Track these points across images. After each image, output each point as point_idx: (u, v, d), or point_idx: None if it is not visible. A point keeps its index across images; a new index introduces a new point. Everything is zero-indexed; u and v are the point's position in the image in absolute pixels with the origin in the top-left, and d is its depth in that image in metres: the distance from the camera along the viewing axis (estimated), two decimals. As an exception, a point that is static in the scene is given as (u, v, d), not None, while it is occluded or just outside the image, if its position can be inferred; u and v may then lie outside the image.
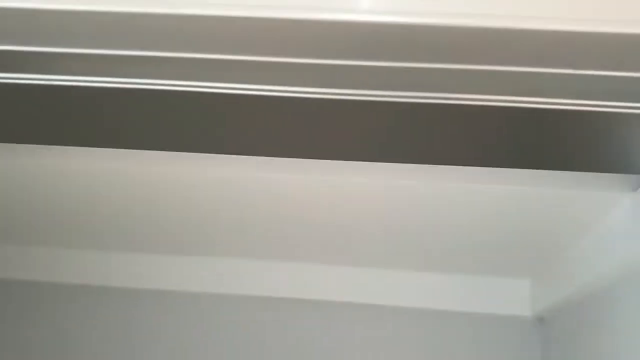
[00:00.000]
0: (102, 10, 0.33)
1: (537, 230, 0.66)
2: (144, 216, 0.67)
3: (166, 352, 0.83)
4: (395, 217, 0.65)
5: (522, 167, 0.52)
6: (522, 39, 0.33)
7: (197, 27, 0.34)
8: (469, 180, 0.55)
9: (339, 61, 0.36)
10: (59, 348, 0.84)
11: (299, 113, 0.42)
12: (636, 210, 0.52)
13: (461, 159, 0.49)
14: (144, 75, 0.39)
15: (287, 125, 0.44)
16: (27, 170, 0.57)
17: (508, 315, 0.81)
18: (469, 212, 0.61)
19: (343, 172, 0.54)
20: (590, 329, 0.65)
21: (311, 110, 0.41)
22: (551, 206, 0.58)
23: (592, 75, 0.37)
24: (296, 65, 0.36)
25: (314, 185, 0.57)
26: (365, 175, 0.54)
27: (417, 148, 0.47)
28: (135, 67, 0.38)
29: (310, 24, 0.33)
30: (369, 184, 0.56)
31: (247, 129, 0.46)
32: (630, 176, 0.52)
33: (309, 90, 0.39)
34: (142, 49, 0.36)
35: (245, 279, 0.83)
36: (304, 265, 0.84)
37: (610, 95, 0.39)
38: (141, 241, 0.78)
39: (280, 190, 0.59)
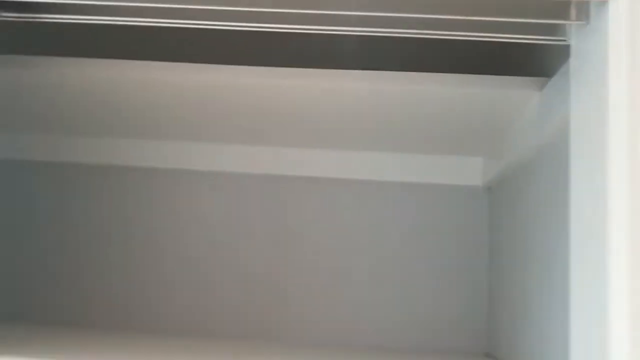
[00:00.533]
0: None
1: (482, 120, 0.84)
2: (194, 113, 0.86)
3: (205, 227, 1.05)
4: (374, 112, 0.83)
5: (464, 72, 0.69)
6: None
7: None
8: (431, 82, 0.72)
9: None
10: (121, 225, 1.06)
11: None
12: (542, 104, 0.70)
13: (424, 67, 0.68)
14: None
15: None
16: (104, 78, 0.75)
17: (464, 185, 1.02)
18: (432, 106, 0.79)
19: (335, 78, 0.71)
20: (521, 194, 0.85)
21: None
22: (489, 101, 0.76)
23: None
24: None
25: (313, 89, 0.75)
26: (354, 81, 0.72)
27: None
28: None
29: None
30: (355, 87, 0.74)
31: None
32: (539, 79, 0.69)
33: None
34: None
35: (249, 160, 1.04)
36: (301, 150, 1.04)
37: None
38: (191, 132, 0.98)
39: (286, 94, 0.77)
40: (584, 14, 0.53)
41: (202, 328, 1.02)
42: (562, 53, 0.59)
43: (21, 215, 1.06)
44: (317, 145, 1.02)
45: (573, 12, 0.54)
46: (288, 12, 0.55)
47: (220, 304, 1.02)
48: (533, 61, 0.66)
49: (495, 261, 0.97)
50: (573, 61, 0.57)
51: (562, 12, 0.55)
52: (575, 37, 0.56)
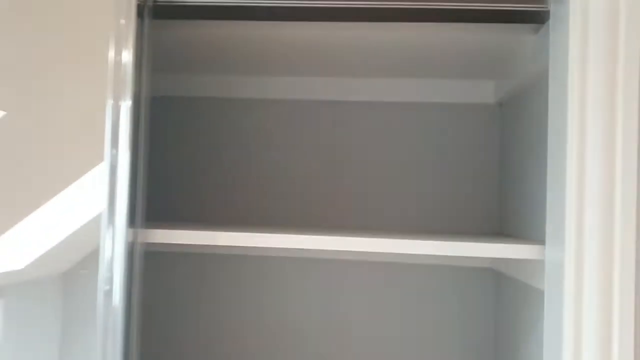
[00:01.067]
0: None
1: (493, 55, 1.09)
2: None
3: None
4: (409, 50, 1.09)
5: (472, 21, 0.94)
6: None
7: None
8: (453, 29, 0.97)
9: None
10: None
11: None
12: (537, 43, 0.94)
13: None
14: None
15: None
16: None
17: (478, 102, 1.28)
18: (455, 45, 1.04)
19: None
20: (525, 108, 1.11)
21: None
22: (497, 40, 1.01)
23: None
24: None
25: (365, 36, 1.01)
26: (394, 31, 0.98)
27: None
28: None
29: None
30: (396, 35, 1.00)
31: None
32: (533, 25, 0.93)
33: None
34: None
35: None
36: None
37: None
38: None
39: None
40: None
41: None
42: (546, 15, 0.84)
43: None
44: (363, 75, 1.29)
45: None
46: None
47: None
48: (527, 16, 0.90)
49: (505, 160, 1.25)
50: (551, 23, 0.81)
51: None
52: (553, 5, 0.81)
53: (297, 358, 1.33)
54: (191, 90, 1.35)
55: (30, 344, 1.64)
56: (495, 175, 1.28)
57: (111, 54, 0.83)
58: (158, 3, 0.91)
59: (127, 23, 0.83)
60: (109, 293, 0.83)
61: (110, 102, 0.83)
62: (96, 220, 1.24)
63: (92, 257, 1.35)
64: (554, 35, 0.81)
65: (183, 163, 1.37)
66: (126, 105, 0.84)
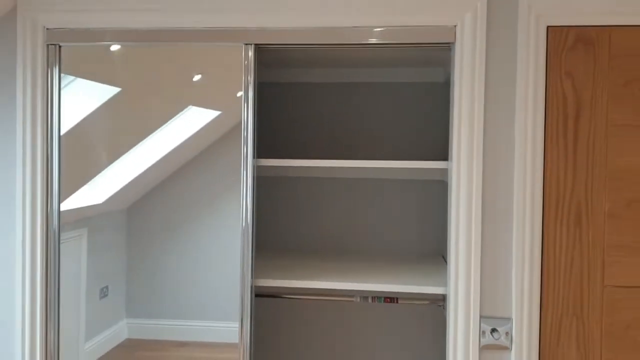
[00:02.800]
0: None
1: (440, 55, 1.97)
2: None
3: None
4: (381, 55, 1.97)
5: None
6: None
7: None
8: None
9: None
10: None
11: None
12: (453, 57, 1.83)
13: None
14: None
15: None
16: None
17: (433, 82, 2.17)
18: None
19: None
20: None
21: None
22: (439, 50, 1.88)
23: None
24: None
25: None
26: None
27: None
28: None
29: None
30: None
31: None
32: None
33: None
34: None
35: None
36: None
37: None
38: None
39: None
40: (454, 34, 1.66)
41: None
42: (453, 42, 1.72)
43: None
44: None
45: (452, 34, 1.67)
46: None
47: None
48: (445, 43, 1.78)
49: (447, 113, 2.14)
50: (453, 54, 1.70)
51: (448, 34, 1.67)
52: (457, 40, 1.69)
53: None
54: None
55: (106, 261, 2.03)
56: (442, 123, 2.19)
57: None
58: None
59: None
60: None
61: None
62: (155, 165, 1.99)
63: (148, 195, 1.94)
64: (455, 60, 1.69)
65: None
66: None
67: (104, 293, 2.03)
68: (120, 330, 2.02)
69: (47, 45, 1.79)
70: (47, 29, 1.78)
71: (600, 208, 1.64)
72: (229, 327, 1.83)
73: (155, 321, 1.97)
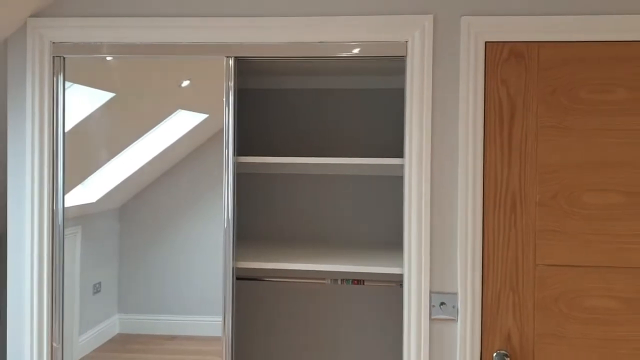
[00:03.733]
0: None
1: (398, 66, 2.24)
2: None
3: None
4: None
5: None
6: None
7: None
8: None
9: None
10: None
11: None
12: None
13: None
14: None
15: None
16: None
17: (392, 88, 2.44)
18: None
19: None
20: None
21: None
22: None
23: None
24: None
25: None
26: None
27: None
28: None
29: None
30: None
31: None
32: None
33: None
34: None
35: None
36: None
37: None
38: None
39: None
40: (406, 49, 1.92)
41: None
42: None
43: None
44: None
45: (404, 48, 1.93)
46: None
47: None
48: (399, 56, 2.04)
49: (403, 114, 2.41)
50: (407, 66, 1.96)
51: (401, 48, 1.94)
52: (408, 53, 1.95)
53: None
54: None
55: (99, 258, 2.16)
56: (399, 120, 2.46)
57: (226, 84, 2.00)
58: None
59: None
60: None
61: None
62: (146, 166, 2.16)
63: (139, 195, 2.10)
64: (408, 72, 1.96)
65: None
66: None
67: (97, 289, 2.14)
68: (112, 325, 2.14)
69: (53, 57, 2.04)
70: (53, 43, 2.03)
71: (532, 198, 1.91)
72: (217, 322, 2.02)
73: (146, 316, 2.13)
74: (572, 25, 1.87)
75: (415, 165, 1.93)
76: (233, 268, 2.04)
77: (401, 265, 2.05)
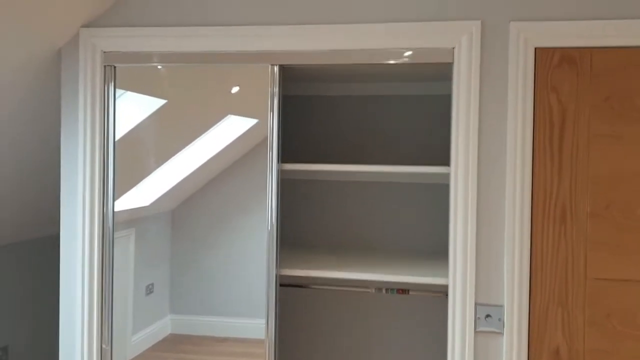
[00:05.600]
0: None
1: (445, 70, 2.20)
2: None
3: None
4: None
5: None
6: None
7: None
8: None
9: None
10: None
11: None
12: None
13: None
14: None
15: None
16: None
17: (440, 94, 2.40)
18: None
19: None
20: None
21: None
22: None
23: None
24: None
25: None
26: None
27: None
28: None
29: None
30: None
31: None
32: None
33: None
34: None
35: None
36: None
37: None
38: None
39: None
40: (452, 55, 1.89)
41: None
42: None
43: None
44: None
45: (451, 55, 1.90)
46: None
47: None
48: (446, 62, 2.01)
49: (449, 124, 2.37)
50: (454, 73, 1.93)
51: (448, 54, 1.91)
52: (455, 59, 1.92)
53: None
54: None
55: (152, 259, 2.19)
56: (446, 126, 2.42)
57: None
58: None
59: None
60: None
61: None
62: (197, 170, 2.21)
63: (191, 198, 2.13)
64: (454, 69, 1.93)
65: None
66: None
67: (149, 290, 2.18)
68: (165, 326, 2.17)
69: (104, 66, 2.10)
70: (105, 52, 2.09)
71: (583, 208, 1.84)
72: (264, 325, 2.04)
73: (197, 317, 2.16)
74: (626, 30, 1.80)
75: (461, 174, 1.90)
76: (276, 275, 2.05)
77: (446, 276, 2.01)
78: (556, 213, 1.86)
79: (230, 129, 2.14)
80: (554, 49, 1.85)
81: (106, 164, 2.12)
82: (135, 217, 2.19)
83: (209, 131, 2.14)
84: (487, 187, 1.89)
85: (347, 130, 2.61)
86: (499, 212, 1.89)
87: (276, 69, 2.01)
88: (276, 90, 2.01)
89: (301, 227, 2.65)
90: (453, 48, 1.90)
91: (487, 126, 1.89)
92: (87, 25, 2.09)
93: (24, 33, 1.89)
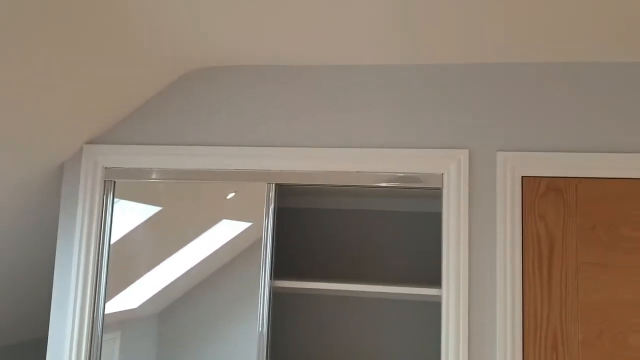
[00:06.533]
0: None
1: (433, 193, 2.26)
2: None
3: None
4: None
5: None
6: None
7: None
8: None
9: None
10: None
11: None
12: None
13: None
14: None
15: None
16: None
17: (429, 212, 2.44)
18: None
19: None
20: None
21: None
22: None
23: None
24: None
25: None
26: None
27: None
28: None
29: None
30: None
31: None
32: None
33: None
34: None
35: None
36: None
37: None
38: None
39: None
40: (442, 180, 1.95)
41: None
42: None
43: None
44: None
45: (440, 180, 1.96)
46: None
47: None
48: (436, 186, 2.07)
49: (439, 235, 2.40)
50: (443, 198, 1.98)
51: (437, 180, 1.97)
52: (445, 185, 1.98)
53: None
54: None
55: None
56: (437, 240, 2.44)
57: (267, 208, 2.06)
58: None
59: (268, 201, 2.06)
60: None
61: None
62: (187, 273, 2.26)
63: (178, 301, 2.13)
64: (443, 194, 1.98)
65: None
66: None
67: None
68: None
69: (105, 181, 2.16)
70: (106, 168, 2.16)
71: (574, 337, 1.84)
72: None
73: None
74: (609, 163, 1.87)
75: (452, 298, 1.91)
76: (265, 394, 2.01)
77: (438, 400, 1.97)
78: (547, 340, 1.85)
79: (224, 231, 2.16)
80: (540, 178, 1.91)
81: (99, 270, 2.14)
82: (122, 320, 2.18)
83: (202, 235, 2.17)
84: (478, 312, 1.90)
85: (340, 242, 2.64)
86: (491, 337, 1.88)
87: (272, 190, 2.07)
88: (271, 207, 2.06)
89: (293, 338, 2.62)
90: (442, 174, 1.96)
91: (477, 251, 1.92)
92: (90, 142, 2.17)
93: (30, 149, 1.96)
